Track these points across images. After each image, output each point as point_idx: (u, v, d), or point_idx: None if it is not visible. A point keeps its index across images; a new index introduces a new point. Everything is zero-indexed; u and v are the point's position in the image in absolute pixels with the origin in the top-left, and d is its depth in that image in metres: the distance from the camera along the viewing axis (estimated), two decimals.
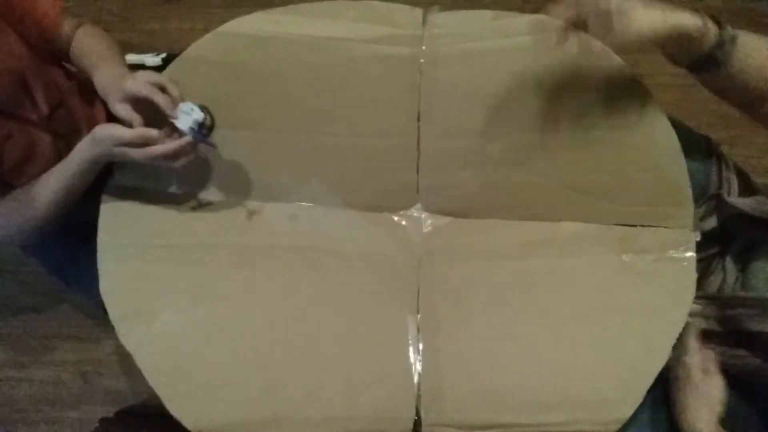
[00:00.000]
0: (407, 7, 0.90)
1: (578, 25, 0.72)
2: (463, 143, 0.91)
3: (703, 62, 0.72)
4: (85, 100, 0.98)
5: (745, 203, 0.85)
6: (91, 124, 0.98)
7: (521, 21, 0.87)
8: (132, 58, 1.44)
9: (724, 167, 0.93)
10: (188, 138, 0.76)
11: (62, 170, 0.81)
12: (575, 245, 0.90)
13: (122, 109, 0.76)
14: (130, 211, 0.90)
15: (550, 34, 0.84)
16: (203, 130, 0.78)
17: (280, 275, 0.89)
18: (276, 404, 0.81)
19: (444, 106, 0.89)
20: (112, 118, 1.00)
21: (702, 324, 0.83)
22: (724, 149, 0.97)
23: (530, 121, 0.88)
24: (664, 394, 0.84)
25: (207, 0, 1.64)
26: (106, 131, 0.76)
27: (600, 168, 0.89)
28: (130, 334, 0.82)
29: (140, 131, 0.75)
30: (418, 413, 0.81)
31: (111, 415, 1.32)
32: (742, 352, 0.81)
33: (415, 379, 0.83)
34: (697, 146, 0.94)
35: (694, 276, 0.84)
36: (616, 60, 0.85)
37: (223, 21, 0.87)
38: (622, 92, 0.86)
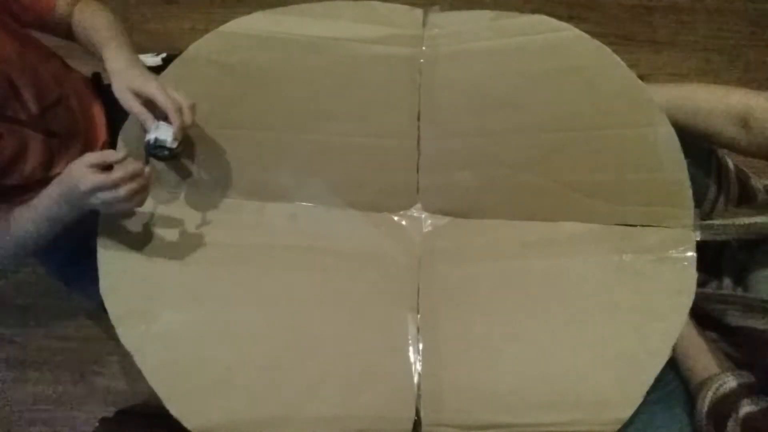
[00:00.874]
0: (407, 7, 0.90)
1: None
2: (463, 143, 0.91)
3: None
4: (84, 99, 0.98)
5: (735, 231, 0.85)
6: (90, 123, 0.98)
7: (521, 21, 0.87)
8: None
9: (723, 168, 0.93)
10: (128, 168, 0.73)
11: (33, 207, 0.79)
12: (575, 245, 0.90)
13: (129, 100, 0.77)
14: (130, 210, 0.90)
15: (550, 34, 0.85)
16: (158, 150, 0.78)
17: (280, 275, 0.89)
18: (276, 404, 0.81)
19: (444, 106, 0.89)
20: (111, 117, 1.00)
21: None
22: (723, 150, 0.97)
23: (530, 121, 0.88)
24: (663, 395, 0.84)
25: (207, 0, 1.64)
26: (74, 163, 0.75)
27: (600, 168, 0.89)
28: (130, 333, 0.82)
29: (104, 153, 0.73)
30: (417, 413, 0.81)
31: (111, 415, 1.32)
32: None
33: (415, 379, 0.83)
34: (697, 147, 0.94)
35: (695, 276, 0.84)
36: (616, 60, 0.85)
37: (223, 21, 0.87)
38: (622, 92, 0.85)
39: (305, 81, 0.88)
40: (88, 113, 0.99)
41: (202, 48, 0.88)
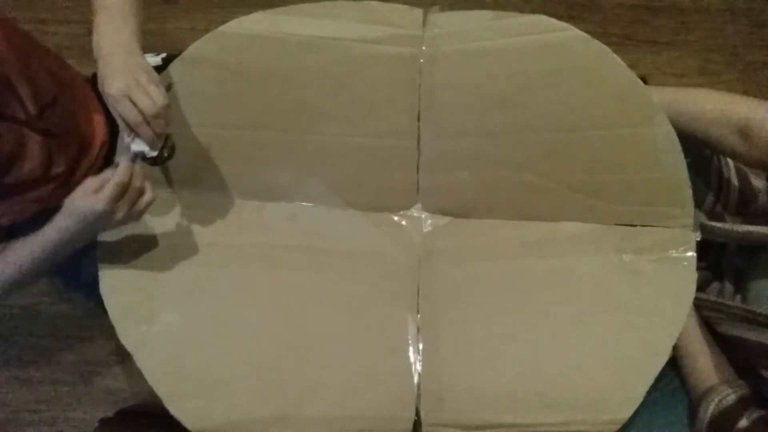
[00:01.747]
0: (407, 7, 0.90)
1: None
2: (463, 143, 0.91)
3: None
4: (83, 99, 0.98)
5: (734, 235, 0.85)
6: (89, 123, 0.97)
7: (521, 21, 0.87)
8: None
9: (724, 167, 0.93)
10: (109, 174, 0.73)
11: (37, 241, 0.79)
12: (575, 245, 0.90)
13: (110, 105, 0.75)
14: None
15: (550, 34, 0.85)
16: (145, 160, 0.77)
17: (280, 275, 0.89)
18: (276, 404, 0.81)
19: (444, 106, 0.89)
20: (110, 118, 1.00)
21: None
22: None
23: (530, 121, 0.88)
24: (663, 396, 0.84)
25: (207, 0, 1.64)
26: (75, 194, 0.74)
27: (600, 168, 0.89)
28: (129, 333, 0.82)
29: (102, 177, 0.73)
30: (417, 413, 0.81)
31: (111, 415, 1.32)
32: None
33: (415, 379, 0.83)
34: (697, 147, 0.93)
35: (694, 276, 0.84)
36: (616, 60, 0.85)
37: (223, 21, 0.87)
38: (622, 92, 0.85)
39: (305, 81, 0.88)
40: (86, 113, 0.98)
41: (201, 48, 0.88)
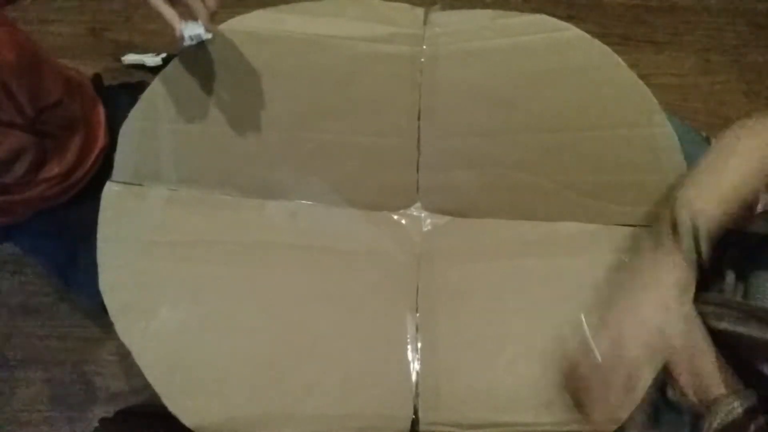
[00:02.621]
0: (408, 6, 0.90)
1: None
2: (464, 143, 0.91)
3: None
4: (84, 101, 0.98)
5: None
6: (89, 124, 0.97)
7: (521, 20, 0.87)
8: (132, 58, 1.45)
9: None
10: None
11: None
12: (575, 245, 0.90)
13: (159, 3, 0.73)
14: (130, 207, 0.90)
15: (550, 33, 0.85)
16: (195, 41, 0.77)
17: (280, 273, 0.89)
18: (274, 401, 0.81)
19: (444, 106, 0.89)
20: (110, 119, 1.00)
21: None
22: None
23: (530, 120, 0.88)
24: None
25: None
26: None
27: (600, 168, 0.89)
28: (128, 330, 0.82)
29: None
30: (415, 412, 0.81)
31: (111, 415, 1.32)
32: None
33: (413, 377, 0.83)
34: (699, 147, 0.93)
35: (694, 276, 0.84)
36: (616, 60, 0.85)
37: (223, 20, 0.87)
38: (622, 92, 0.86)
39: (305, 79, 0.88)
40: (87, 115, 0.99)
41: (202, 45, 0.88)
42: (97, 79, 1.07)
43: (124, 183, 0.91)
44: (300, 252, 0.91)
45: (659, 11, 1.61)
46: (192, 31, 0.75)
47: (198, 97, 0.89)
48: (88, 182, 0.97)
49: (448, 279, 0.90)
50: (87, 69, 1.06)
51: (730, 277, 0.87)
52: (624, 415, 0.78)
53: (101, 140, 0.98)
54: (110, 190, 0.90)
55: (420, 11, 0.89)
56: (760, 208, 0.87)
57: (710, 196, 0.72)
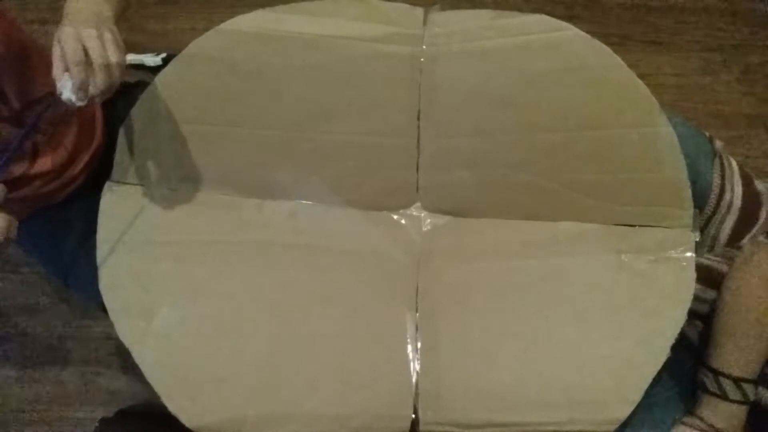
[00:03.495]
0: (408, 6, 0.90)
1: None
2: (463, 142, 0.91)
3: None
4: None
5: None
6: (85, 121, 0.97)
7: (521, 20, 0.87)
8: (132, 58, 1.44)
9: (726, 168, 0.93)
10: None
11: None
12: (575, 245, 0.90)
13: (54, 51, 0.70)
14: (130, 207, 0.90)
15: (550, 33, 0.85)
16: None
17: (279, 273, 0.89)
18: (274, 401, 0.81)
19: (444, 105, 0.89)
20: (110, 117, 1.00)
21: None
22: (725, 149, 0.97)
23: (530, 120, 0.88)
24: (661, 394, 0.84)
25: (207, 0, 1.64)
26: None
27: (600, 168, 0.89)
28: (128, 330, 0.82)
29: None
30: (415, 411, 0.81)
31: (111, 415, 1.32)
32: None
33: (413, 377, 0.83)
34: (702, 148, 0.94)
35: (693, 276, 0.84)
36: (616, 60, 0.85)
37: (223, 21, 0.88)
38: (622, 92, 0.86)
39: (305, 79, 0.88)
40: (80, 110, 0.98)
41: (202, 45, 0.88)
42: None
43: (124, 183, 0.91)
44: (299, 252, 0.91)
45: (659, 11, 1.60)
46: (68, 93, 0.70)
47: (198, 97, 0.89)
48: (88, 182, 0.96)
49: (448, 279, 0.90)
50: None
51: None
52: (624, 414, 0.79)
53: (97, 137, 0.97)
54: (110, 190, 0.90)
55: (420, 11, 0.89)
56: None
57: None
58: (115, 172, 0.91)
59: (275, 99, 0.89)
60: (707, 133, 0.98)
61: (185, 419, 0.78)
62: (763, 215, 0.92)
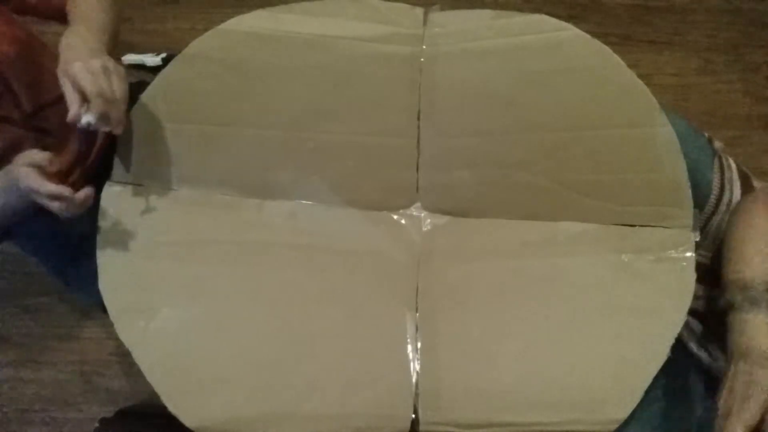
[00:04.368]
0: (408, 6, 0.90)
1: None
2: (463, 142, 0.91)
3: None
4: None
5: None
6: None
7: (521, 20, 0.87)
8: (132, 58, 1.44)
9: (726, 168, 0.93)
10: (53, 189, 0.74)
11: None
12: (575, 245, 0.90)
13: (65, 85, 0.74)
14: (130, 207, 0.90)
15: (550, 33, 0.85)
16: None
17: (279, 273, 0.89)
18: (274, 401, 0.81)
19: (444, 106, 0.89)
20: None
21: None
22: (725, 149, 0.97)
23: (530, 120, 0.88)
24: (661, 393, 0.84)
25: (207, 0, 1.64)
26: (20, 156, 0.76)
27: (600, 168, 0.89)
28: (128, 329, 0.82)
29: (44, 158, 0.75)
30: (415, 411, 0.81)
31: (111, 415, 1.32)
32: None
33: (413, 377, 0.83)
34: (702, 148, 0.93)
35: (693, 276, 0.84)
36: (616, 60, 0.85)
37: (223, 21, 0.88)
38: (622, 92, 0.86)
39: (305, 79, 0.89)
40: None
41: (202, 45, 0.88)
42: None
43: (124, 183, 0.91)
44: (300, 252, 0.91)
45: (659, 11, 1.60)
46: (87, 118, 0.75)
47: (198, 97, 0.89)
48: (88, 182, 0.97)
49: (448, 279, 0.90)
50: None
51: None
52: (623, 414, 0.79)
53: (100, 143, 0.98)
54: (110, 190, 0.90)
55: (420, 11, 0.89)
56: None
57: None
58: (115, 172, 0.91)
59: (275, 99, 0.89)
60: (707, 133, 0.98)
61: (185, 419, 0.78)
62: None
